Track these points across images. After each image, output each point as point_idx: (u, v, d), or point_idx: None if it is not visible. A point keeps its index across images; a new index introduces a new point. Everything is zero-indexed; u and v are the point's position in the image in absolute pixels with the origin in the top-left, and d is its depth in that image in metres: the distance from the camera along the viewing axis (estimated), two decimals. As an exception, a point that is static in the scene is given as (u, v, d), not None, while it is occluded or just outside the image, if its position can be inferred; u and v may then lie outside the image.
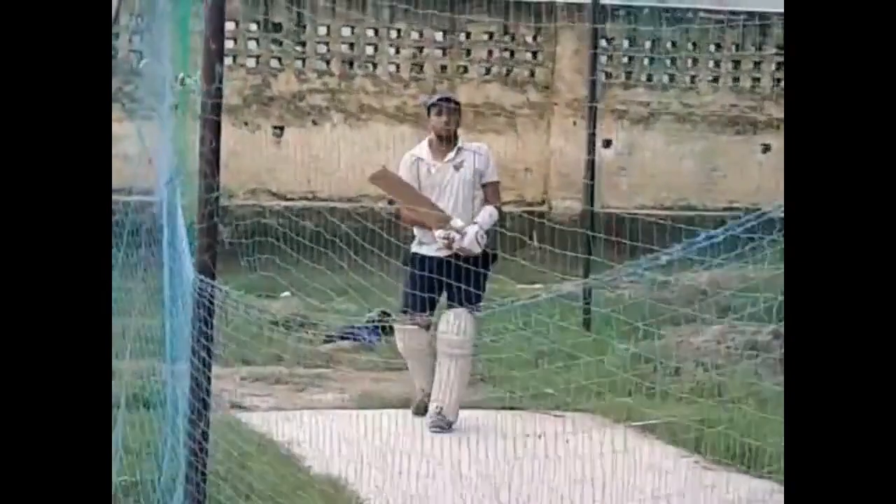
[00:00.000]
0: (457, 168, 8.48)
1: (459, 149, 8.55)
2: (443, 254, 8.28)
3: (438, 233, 8.27)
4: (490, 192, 8.54)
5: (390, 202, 9.36)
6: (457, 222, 8.28)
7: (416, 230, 8.57)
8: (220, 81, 4.93)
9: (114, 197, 4.27)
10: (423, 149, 8.61)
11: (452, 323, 8.20)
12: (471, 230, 8.25)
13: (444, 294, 8.34)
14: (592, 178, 11.59)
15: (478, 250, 8.25)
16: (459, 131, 8.72)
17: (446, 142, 8.53)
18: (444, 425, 8.17)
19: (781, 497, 6.07)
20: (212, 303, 5.01)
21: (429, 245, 8.43)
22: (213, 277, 5.00)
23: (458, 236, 8.24)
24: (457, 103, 8.68)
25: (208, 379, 5.11)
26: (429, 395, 8.42)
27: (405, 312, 8.46)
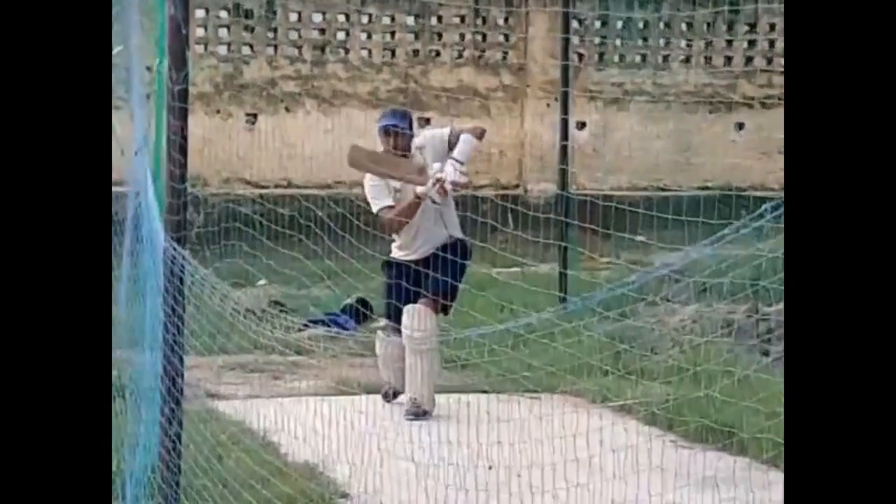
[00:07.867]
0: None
1: (413, 154, 8.42)
2: (419, 256, 8.30)
3: (426, 187, 8.15)
4: (463, 130, 8.42)
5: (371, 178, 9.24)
6: (435, 166, 8.21)
7: (395, 236, 8.52)
8: (188, 66, 4.91)
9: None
10: None
11: (413, 319, 8.20)
12: (447, 167, 8.17)
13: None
14: (566, 163, 11.62)
15: (464, 179, 8.17)
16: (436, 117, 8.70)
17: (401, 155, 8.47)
18: (420, 414, 8.20)
19: (757, 474, 6.09)
20: (182, 284, 4.99)
21: (407, 250, 8.44)
22: (182, 265, 4.99)
23: (443, 175, 8.13)
24: (404, 126, 8.49)
25: (181, 366, 5.09)
26: (395, 388, 8.54)
27: (388, 320, 8.51)
